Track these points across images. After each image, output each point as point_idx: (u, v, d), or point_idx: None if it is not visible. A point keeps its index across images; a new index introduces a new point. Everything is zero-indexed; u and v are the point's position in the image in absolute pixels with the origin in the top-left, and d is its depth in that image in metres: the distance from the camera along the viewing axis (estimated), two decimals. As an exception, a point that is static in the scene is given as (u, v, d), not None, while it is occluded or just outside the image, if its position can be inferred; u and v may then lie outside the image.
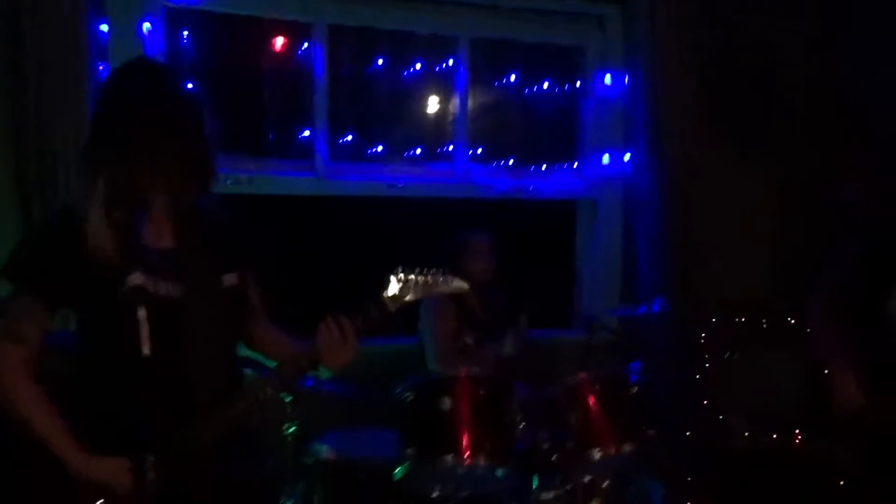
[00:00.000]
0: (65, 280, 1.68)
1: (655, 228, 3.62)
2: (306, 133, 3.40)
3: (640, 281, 3.66)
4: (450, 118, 3.71)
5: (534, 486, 2.43)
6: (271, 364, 1.91)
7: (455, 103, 3.65)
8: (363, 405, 2.89)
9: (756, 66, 3.84)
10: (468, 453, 2.26)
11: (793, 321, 3.15)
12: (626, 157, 3.72)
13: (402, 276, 1.83)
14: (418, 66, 3.64)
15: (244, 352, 1.98)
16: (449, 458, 2.27)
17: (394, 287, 1.83)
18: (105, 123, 1.71)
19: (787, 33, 3.87)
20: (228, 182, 3.18)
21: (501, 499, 2.45)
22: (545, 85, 3.80)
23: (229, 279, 1.82)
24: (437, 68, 3.65)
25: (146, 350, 1.67)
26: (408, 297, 1.84)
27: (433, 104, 3.80)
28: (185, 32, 3.24)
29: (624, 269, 3.79)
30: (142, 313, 1.66)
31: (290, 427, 2.56)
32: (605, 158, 3.76)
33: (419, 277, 1.84)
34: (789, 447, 3.04)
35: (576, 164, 3.84)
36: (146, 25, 3.09)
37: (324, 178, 3.42)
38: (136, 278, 1.68)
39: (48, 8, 2.77)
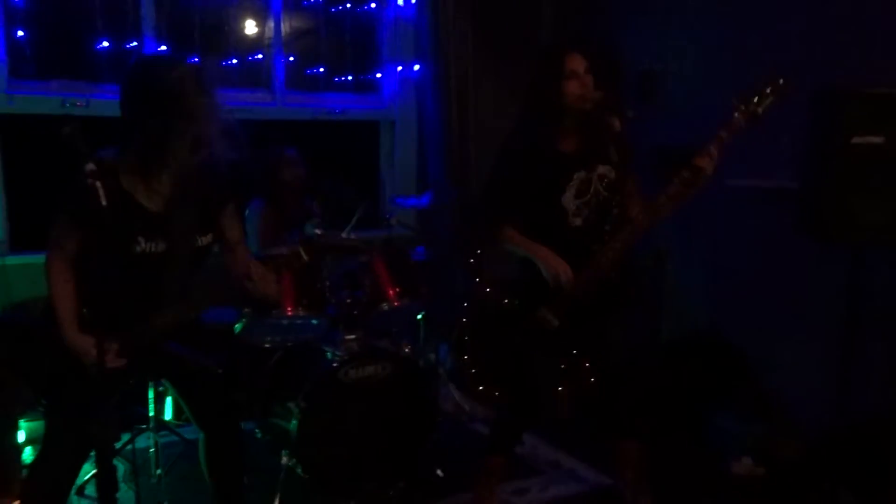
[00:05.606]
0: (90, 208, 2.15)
1: (439, 139, 4.56)
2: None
3: (430, 181, 4.62)
4: (267, 42, 4.33)
5: (340, 332, 3.33)
6: None
7: (271, 28, 4.28)
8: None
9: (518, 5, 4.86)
10: (290, 308, 3.13)
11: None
12: (416, 67, 4.60)
13: None
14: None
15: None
16: (275, 312, 3.12)
17: None
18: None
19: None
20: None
21: (318, 343, 3.33)
22: (348, 5, 4.50)
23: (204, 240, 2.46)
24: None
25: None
26: None
27: (251, 29, 4.37)
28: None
29: (418, 176, 4.73)
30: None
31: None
32: (399, 69, 4.63)
33: None
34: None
35: (378, 74, 4.66)
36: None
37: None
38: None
39: None
